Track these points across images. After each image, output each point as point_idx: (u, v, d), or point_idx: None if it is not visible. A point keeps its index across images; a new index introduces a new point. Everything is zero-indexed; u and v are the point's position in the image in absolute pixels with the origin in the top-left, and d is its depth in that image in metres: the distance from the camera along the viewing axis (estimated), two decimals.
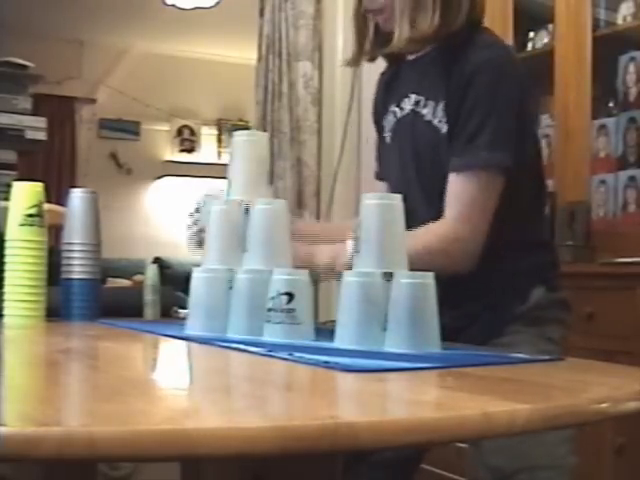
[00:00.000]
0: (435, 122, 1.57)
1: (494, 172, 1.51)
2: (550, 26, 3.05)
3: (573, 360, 1.23)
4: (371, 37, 1.68)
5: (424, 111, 1.59)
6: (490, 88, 1.52)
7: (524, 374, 1.07)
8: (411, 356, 1.14)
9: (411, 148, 1.62)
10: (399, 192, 1.59)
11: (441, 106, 1.56)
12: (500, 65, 1.55)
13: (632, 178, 2.71)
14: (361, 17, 1.68)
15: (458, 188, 1.51)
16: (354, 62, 1.73)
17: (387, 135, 1.71)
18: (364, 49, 1.69)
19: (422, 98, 1.60)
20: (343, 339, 1.18)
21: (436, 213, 1.52)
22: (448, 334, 1.60)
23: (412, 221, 1.35)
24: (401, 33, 1.56)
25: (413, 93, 1.63)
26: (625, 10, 2.83)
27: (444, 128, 1.55)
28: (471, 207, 1.50)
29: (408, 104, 1.64)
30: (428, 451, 1.75)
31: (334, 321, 1.21)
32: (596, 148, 2.84)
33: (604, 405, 0.85)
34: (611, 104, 2.87)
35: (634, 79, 2.73)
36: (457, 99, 1.53)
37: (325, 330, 1.27)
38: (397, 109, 1.68)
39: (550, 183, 2.65)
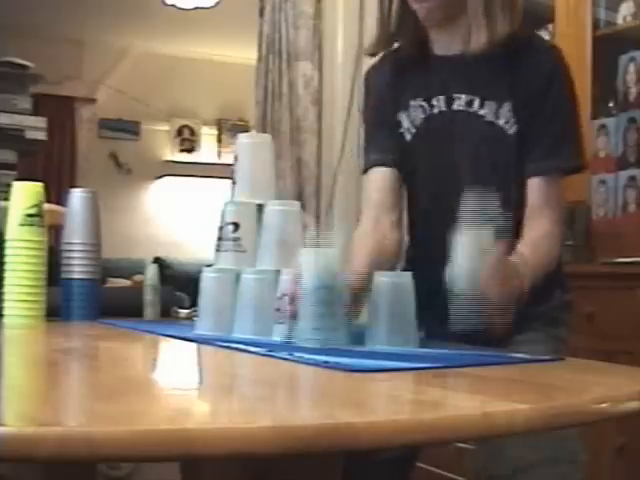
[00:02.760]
0: (500, 123, 1.55)
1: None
2: (550, 26, 3.04)
3: (573, 360, 1.23)
4: (395, 20, 1.62)
5: (482, 112, 1.56)
6: (568, 92, 1.58)
7: (524, 374, 1.07)
8: (411, 356, 1.14)
9: (466, 148, 1.58)
10: (446, 191, 1.59)
11: (506, 107, 1.55)
12: (568, 67, 1.59)
13: (632, 178, 2.71)
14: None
15: (553, 190, 1.57)
16: (377, 47, 1.66)
17: (406, 131, 1.63)
18: (388, 32, 1.63)
19: (476, 98, 1.56)
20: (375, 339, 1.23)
21: None
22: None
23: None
24: (479, 36, 1.52)
25: (461, 93, 1.58)
26: (625, 10, 2.83)
27: (512, 129, 1.55)
28: (562, 209, 1.60)
29: (456, 103, 1.58)
30: (422, 450, 1.74)
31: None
32: (596, 148, 2.84)
33: (604, 405, 0.85)
34: (611, 104, 2.86)
35: (634, 79, 2.73)
36: (533, 102, 1.54)
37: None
38: (424, 104, 1.61)
39: None
